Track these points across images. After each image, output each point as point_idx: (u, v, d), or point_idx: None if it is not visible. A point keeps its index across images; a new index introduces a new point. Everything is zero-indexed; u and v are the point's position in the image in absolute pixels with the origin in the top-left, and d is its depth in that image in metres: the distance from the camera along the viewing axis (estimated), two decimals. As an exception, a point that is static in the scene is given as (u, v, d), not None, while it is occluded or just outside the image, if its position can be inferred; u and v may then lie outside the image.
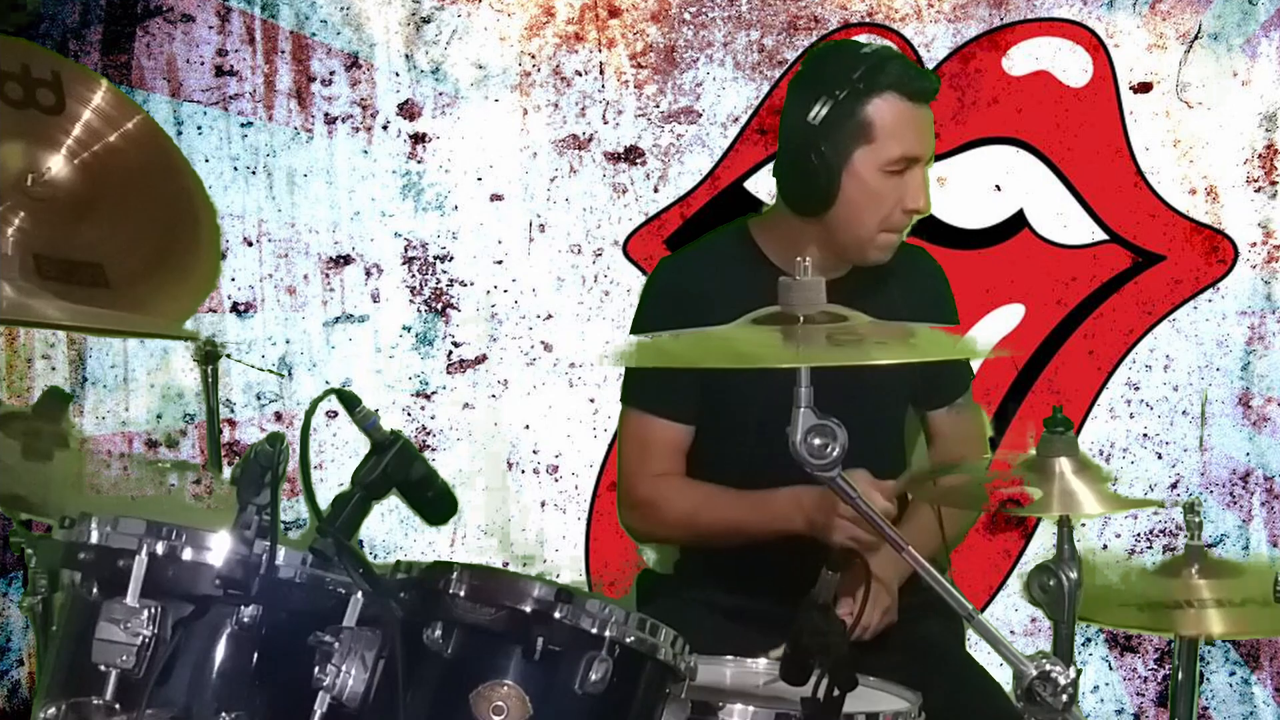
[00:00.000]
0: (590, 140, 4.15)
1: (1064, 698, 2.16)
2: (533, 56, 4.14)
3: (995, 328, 4.13)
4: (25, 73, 2.66)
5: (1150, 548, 4.20)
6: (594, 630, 2.18)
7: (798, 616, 2.24)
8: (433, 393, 4.18)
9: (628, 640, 2.19)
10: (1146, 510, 4.17)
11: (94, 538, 2.28)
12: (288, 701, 2.21)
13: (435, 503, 2.35)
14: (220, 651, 2.24)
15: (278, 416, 4.17)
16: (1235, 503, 4.19)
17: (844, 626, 2.25)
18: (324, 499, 2.27)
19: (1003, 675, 2.81)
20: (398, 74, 4.14)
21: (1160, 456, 4.20)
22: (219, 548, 2.25)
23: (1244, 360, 4.18)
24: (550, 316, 4.18)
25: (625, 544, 4.21)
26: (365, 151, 4.16)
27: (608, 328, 4.17)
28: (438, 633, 2.18)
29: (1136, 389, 4.19)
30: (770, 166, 3.15)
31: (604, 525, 4.20)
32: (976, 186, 4.17)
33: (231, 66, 4.13)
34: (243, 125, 4.14)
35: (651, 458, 3.08)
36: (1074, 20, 4.13)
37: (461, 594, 2.19)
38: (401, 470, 2.29)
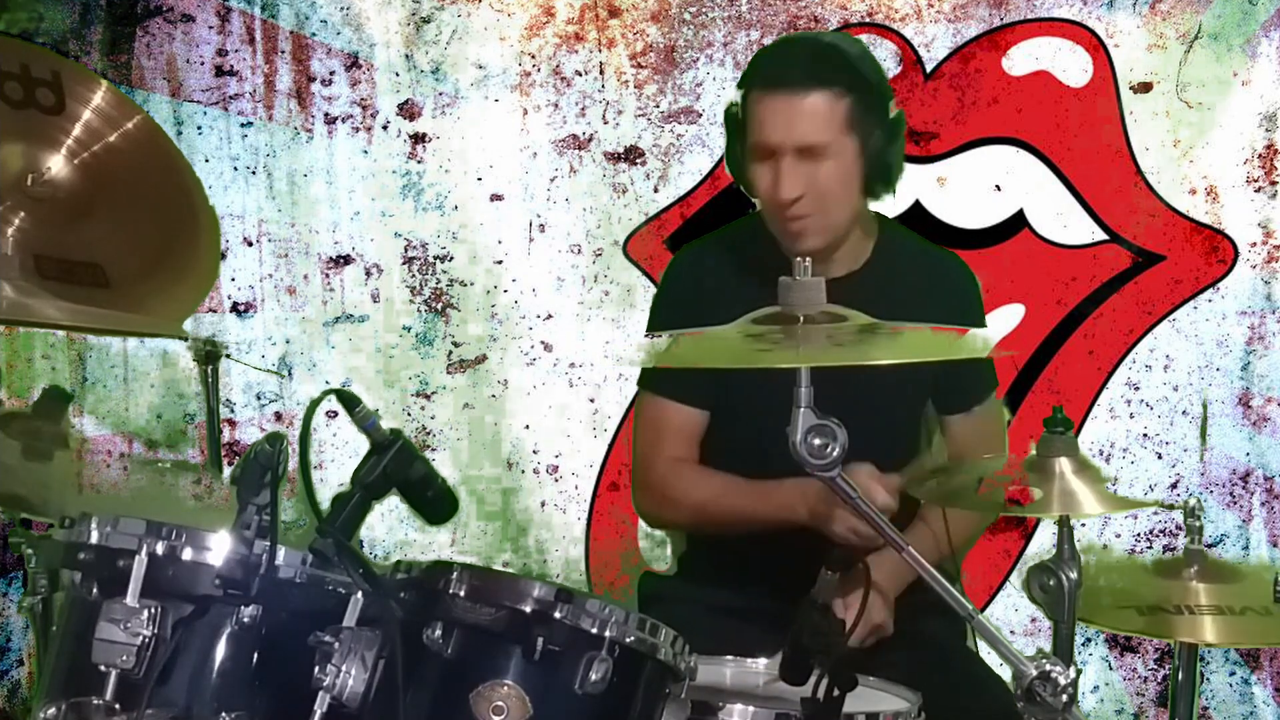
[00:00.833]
0: (590, 140, 4.15)
1: (1064, 698, 2.16)
2: (533, 56, 4.14)
3: (995, 328, 4.13)
4: (25, 73, 2.66)
5: (1150, 548, 4.20)
6: (594, 630, 2.18)
7: (798, 616, 2.24)
8: (433, 393, 4.18)
9: (628, 640, 2.19)
10: (1146, 510, 4.17)
11: (94, 538, 2.28)
12: (288, 701, 2.21)
13: (435, 503, 2.35)
14: (220, 651, 2.24)
15: (278, 416, 4.17)
16: (1235, 503, 4.19)
17: (844, 626, 2.25)
18: (324, 499, 2.27)
19: (1003, 675, 2.81)
20: (398, 74, 4.14)
21: (1160, 456, 4.20)
22: (219, 548, 2.25)
23: (1244, 360, 4.18)
24: (550, 316, 4.18)
25: (625, 544, 4.22)
26: (365, 151, 4.16)
27: (608, 328, 4.17)
28: (438, 633, 2.18)
29: (1136, 389, 4.19)
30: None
31: (604, 525, 4.20)
32: (976, 186, 4.17)
33: (231, 66, 4.13)
34: (243, 125, 4.14)
35: (666, 441, 3.10)
36: (1074, 20, 4.13)
37: (461, 594, 2.19)
38: (401, 470, 2.29)
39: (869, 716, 2.41)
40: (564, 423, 4.19)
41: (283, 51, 4.13)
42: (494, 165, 4.16)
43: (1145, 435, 4.19)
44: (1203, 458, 4.19)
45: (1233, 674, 4.20)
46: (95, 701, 2.20)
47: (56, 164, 2.66)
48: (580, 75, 4.14)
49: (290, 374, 4.17)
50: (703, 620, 2.86)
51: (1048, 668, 2.17)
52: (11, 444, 2.92)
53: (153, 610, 2.21)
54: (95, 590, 2.26)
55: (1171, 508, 4.06)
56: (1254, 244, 4.16)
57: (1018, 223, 4.18)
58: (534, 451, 4.20)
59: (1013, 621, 4.20)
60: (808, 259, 2.27)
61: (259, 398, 4.17)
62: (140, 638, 2.20)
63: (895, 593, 2.94)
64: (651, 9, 4.13)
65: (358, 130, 4.15)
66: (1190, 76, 4.12)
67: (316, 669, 2.17)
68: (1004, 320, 4.17)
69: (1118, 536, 4.20)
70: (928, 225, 4.08)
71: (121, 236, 2.70)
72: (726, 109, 3.06)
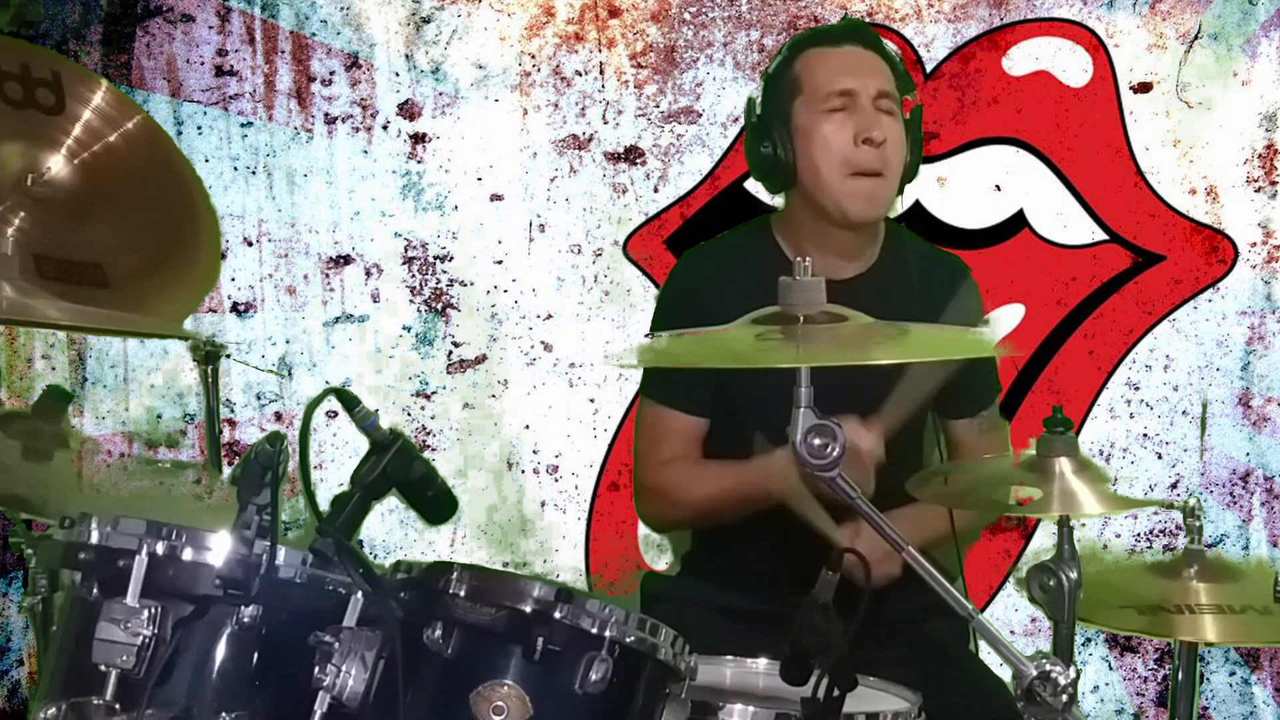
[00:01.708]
0: (590, 140, 4.15)
1: (1064, 698, 2.16)
2: (533, 56, 4.14)
3: (995, 328, 4.13)
4: (25, 73, 2.67)
5: (1150, 547, 4.20)
6: (594, 630, 2.18)
7: (798, 616, 2.24)
8: (433, 393, 4.18)
9: (628, 640, 2.19)
10: (1146, 510, 4.17)
11: (94, 538, 2.28)
12: (288, 701, 2.21)
13: (435, 503, 2.35)
14: (220, 651, 2.24)
15: (278, 416, 4.17)
16: (1235, 503, 4.19)
17: (844, 626, 2.25)
18: (324, 499, 2.27)
19: (1003, 675, 2.81)
20: (398, 74, 4.14)
21: (1160, 456, 4.20)
22: (219, 548, 2.25)
23: (1244, 360, 4.18)
24: (550, 316, 4.18)
25: (625, 544, 4.22)
26: (365, 151, 4.16)
27: (608, 328, 4.17)
28: (438, 633, 2.18)
29: (1136, 389, 4.19)
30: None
31: (604, 525, 4.20)
32: (976, 186, 4.17)
33: (231, 66, 4.13)
34: (243, 125, 4.14)
35: (664, 448, 3.12)
36: (1074, 20, 4.13)
37: (461, 594, 2.19)
38: (401, 470, 2.30)
39: (869, 716, 2.41)
40: (564, 423, 4.19)
41: (283, 51, 4.13)
42: (494, 165, 4.16)
43: (1145, 435, 4.19)
44: (1202, 457, 4.19)
45: (1233, 674, 4.20)
46: (95, 701, 2.20)
47: (56, 164, 2.66)
48: (580, 75, 4.14)
49: (290, 374, 4.17)
50: (705, 620, 2.86)
51: (1048, 668, 2.17)
52: (11, 444, 2.92)
53: (153, 610, 2.21)
54: (95, 590, 2.26)
55: (1171, 507, 4.06)
56: (1254, 244, 4.16)
57: (1018, 223, 4.18)
58: (534, 451, 4.19)
59: (1013, 621, 4.20)
60: (808, 259, 2.27)
61: (259, 398, 4.17)
62: (140, 638, 2.20)
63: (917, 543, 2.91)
64: (651, 9, 4.13)
65: (358, 130, 4.15)
66: (1190, 76, 4.12)
67: (316, 669, 2.17)
68: (1004, 320, 4.17)
69: (1118, 536, 4.20)
70: (928, 225, 4.08)
71: (121, 236, 2.70)
72: (748, 101, 3.07)
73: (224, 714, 2.22)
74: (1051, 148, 4.16)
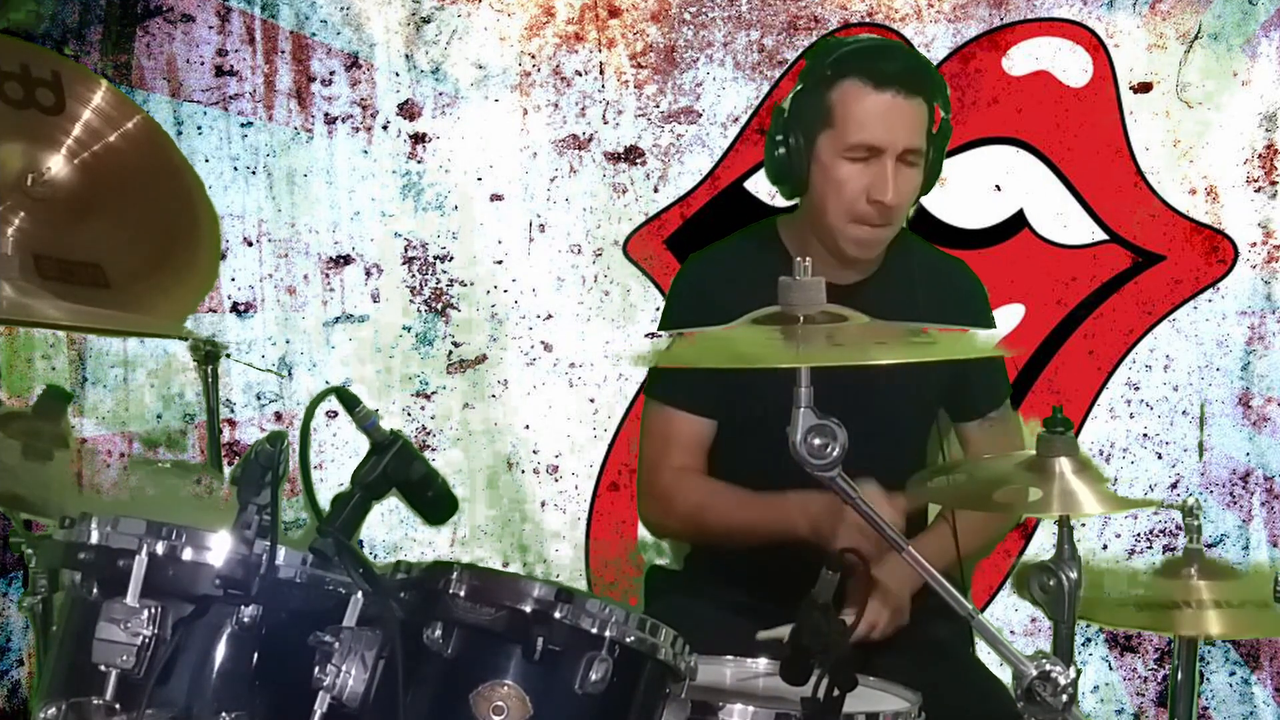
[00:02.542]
0: (590, 140, 4.15)
1: (1064, 698, 2.16)
2: (533, 56, 4.14)
3: (997, 331, 4.12)
4: (25, 73, 2.67)
5: (1150, 548, 4.20)
6: (594, 630, 2.18)
7: (798, 616, 2.24)
8: (433, 393, 4.18)
9: (628, 640, 2.19)
10: (1146, 510, 4.17)
11: (94, 538, 2.28)
12: (288, 701, 2.21)
13: (435, 503, 2.35)
14: (220, 651, 2.24)
15: (278, 416, 4.17)
16: (1235, 503, 4.19)
17: (844, 626, 2.25)
18: (324, 499, 2.27)
19: (1003, 675, 2.81)
20: (398, 74, 4.14)
21: (1160, 456, 4.20)
22: (219, 548, 2.25)
23: (1244, 360, 4.18)
24: (550, 316, 4.18)
25: (625, 544, 4.22)
26: (365, 151, 4.16)
27: (608, 328, 4.17)
28: (438, 633, 2.18)
29: (1136, 389, 4.19)
30: (771, 167, 3.16)
31: (604, 525, 4.20)
32: (976, 186, 4.17)
33: (231, 66, 4.13)
34: (243, 125, 4.14)
35: (672, 450, 3.10)
36: (1074, 20, 4.13)
37: (461, 594, 2.19)
38: (401, 470, 2.29)
39: (869, 716, 2.41)
40: (564, 423, 4.19)
41: (283, 51, 4.13)
42: (494, 165, 4.16)
43: (1145, 435, 4.19)
44: (1201, 457, 4.19)
45: (1233, 674, 4.20)
46: (95, 701, 2.20)
47: (56, 164, 2.66)
48: (580, 75, 4.14)
49: (290, 374, 4.17)
50: (712, 617, 2.86)
51: (1048, 668, 2.17)
52: (11, 444, 2.92)
53: (153, 610, 2.21)
54: (95, 590, 2.26)
55: (1171, 507, 4.06)
56: (1254, 244, 4.16)
57: (1018, 223, 4.18)
58: (534, 451, 4.19)
59: (1013, 621, 4.20)
60: (808, 259, 2.27)
61: (259, 398, 4.17)
62: (140, 638, 2.20)
63: (911, 589, 2.93)
64: (651, 9, 4.13)
65: (358, 130, 4.15)
66: (1190, 76, 4.12)
67: (316, 669, 2.17)
68: (1004, 320, 4.17)
69: (1118, 536, 4.20)
70: (928, 225, 4.08)
71: (121, 236, 2.70)
72: (775, 106, 3.03)
73: (224, 714, 2.22)
74: (1051, 148, 4.16)
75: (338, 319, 4.18)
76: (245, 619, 2.24)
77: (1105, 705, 4.22)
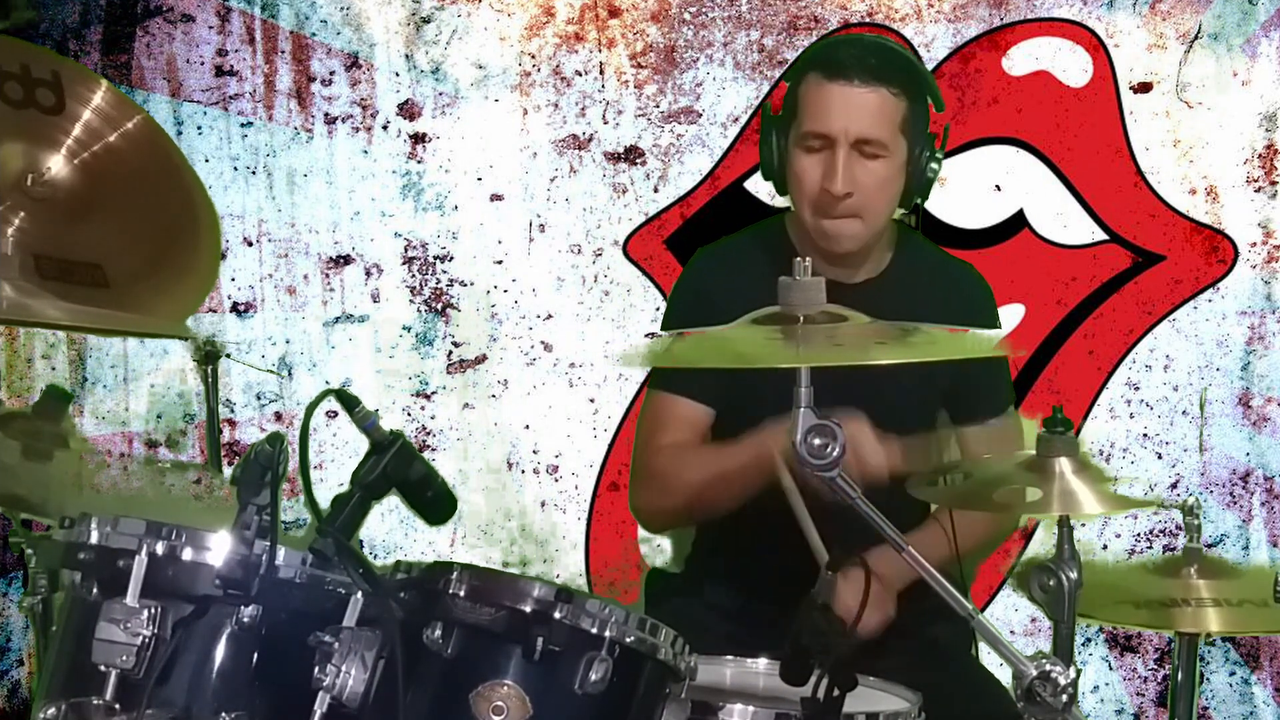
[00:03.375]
0: (590, 140, 4.15)
1: (1064, 698, 2.16)
2: (533, 56, 4.14)
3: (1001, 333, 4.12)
4: (25, 73, 2.66)
5: (1150, 548, 4.20)
6: (594, 630, 2.18)
7: (798, 616, 2.24)
8: (433, 393, 4.18)
9: (628, 640, 2.19)
10: (1146, 510, 4.16)
11: (94, 538, 2.28)
12: (288, 701, 2.21)
13: (435, 503, 2.35)
14: (220, 651, 2.24)
15: (278, 416, 4.17)
16: (1235, 503, 4.19)
17: (844, 626, 2.25)
18: (324, 499, 2.27)
19: (1003, 675, 2.81)
20: (398, 74, 4.14)
21: (1160, 456, 4.20)
22: (219, 548, 2.25)
23: (1244, 360, 4.18)
24: (550, 316, 4.18)
25: (625, 544, 4.22)
26: (365, 151, 4.16)
27: (608, 328, 4.17)
28: (438, 633, 2.18)
29: (1136, 389, 4.19)
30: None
31: (604, 525, 4.20)
32: (976, 186, 4.17)
33: (231, 66, 4.13)
34: (243, 125, 4.14)
35: (665, 431, 3.05)
36: (1074, 20, 4.13)
37: (461, 594, 2.19)
38: (401, 470, 2.29)
39: (869, 716, 2.41)
40: (564, 423, 4.19)
41: (283, 51, 4.13)
42: (494, 165, 4.16)
43: (1145, 435, 4.19)
44: (1202, 455, 4.19)
45: (1233, 674, 4.20)
46: (95, 701, 2.20)
47: (56, 164, 2.66)
48: (580, 75, 4.14)
49: (290, 374, 4.17)
50: (711, 619, 2.86)
51: (1048, 668, 2.17)
52: (11, 444, 2.92)
53: (153, 610, 2.21)
54: (95, 590, 2.26)
55: (1171, 507, 4.06)
56: (1254, 244, 4.16)
57: (1018, 223, 4.18)
58: (534, 451, 4.19)
59: (1013, 621, 4.20)
60: (808, 259, 2.27)
61: (259, 398, 4.17)
62: (140, 638, 2.20)
63: (900, 584, 2.92)
64: (651, 9, 4.13)
65: (358, 130, 4.15)
66: (1190, 76, 4.12)
67: (316, 669, 2.17)
68: (1004, 320, 4.16)
69: (1118, 536, 4.20)
70: (928, 225, 4.07)
71: (121, 236, 2.70)
72: (763, 103, 3.05)
73: (224, 714, 2.22)
74: (1051, 148, 4.16)
75: (338, 319, 4.18)
76: (245, 619, 2.23)
77: (1105, 705, 4.22)
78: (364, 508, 2.28)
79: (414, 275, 4.17)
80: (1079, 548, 2.32)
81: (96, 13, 4.12)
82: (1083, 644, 4.17)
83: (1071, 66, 4.14)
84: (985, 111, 4.15)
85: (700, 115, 4.15)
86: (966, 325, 3.02)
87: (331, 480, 3.92)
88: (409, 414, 4.17)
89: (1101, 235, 4.17)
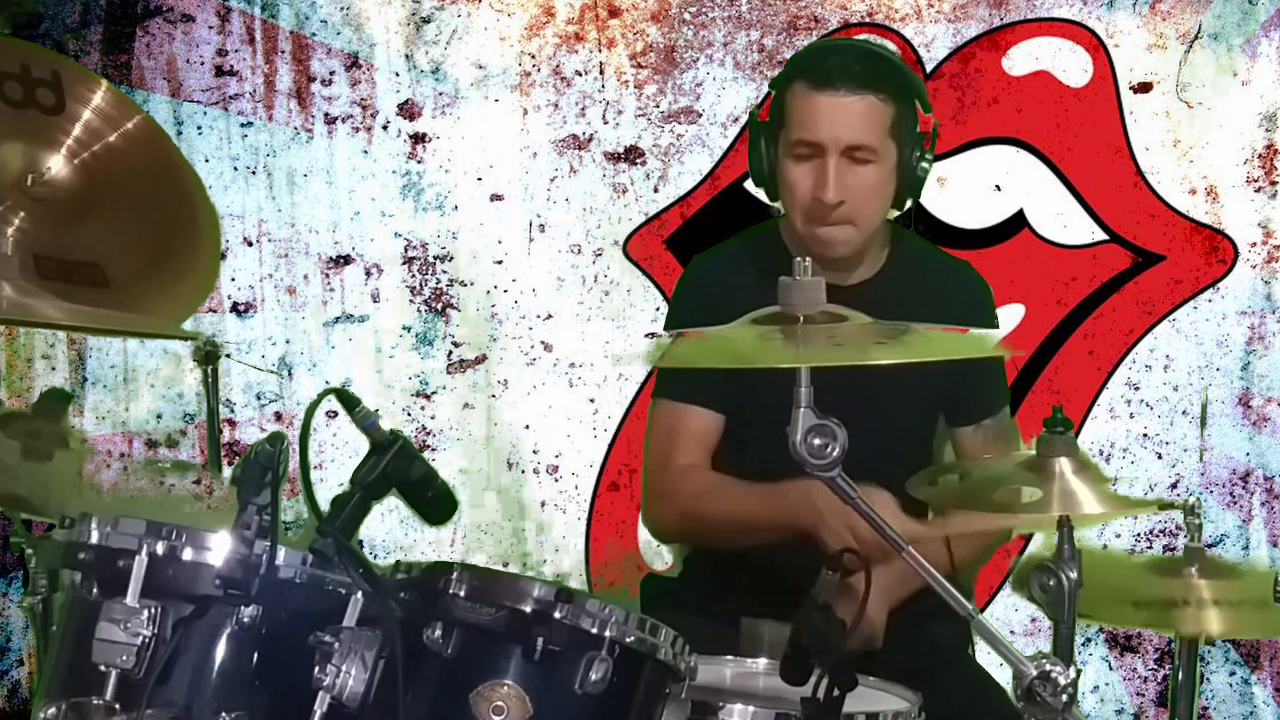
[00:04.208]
0: (590, 140, 4.15)
1: (1064, 698, 2.16)
2: (533, 56, 4.14)
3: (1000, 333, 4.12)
4: (25, 73, 2.66)
5: (1150, 548, 4.20)
6: (594, 630, 2.18)
7: (798, 616, 2.24)
8: (433, 393, 4.18)
9: (628, 640, 2.19)
10: (1146, 510, 4.16)
11: (94, 538, 2.28)
12: (288, 701, 2.21)
13: (435, 503, 2.35)
14: (220, 651, 2.24)
15: (278, 416, 4.17)
16: (1235, 503, 4.19)
17: (844, 626, 2.25)
18: (324, 499, 2.27)
19: (1003, 675, 2.81)
20: (398, 74, 4.14)
21: (1160, 456, 4.20)
22: (219, 548, 2.25)
23: (1244, 360, 4.18)
24: (550, 316, 4.18)
25: (625, 544, 4.22)
26: (365, 151, 4.16)
27: (608, 328, 4.17)
28: (438, 633, 2.18)
29: (1136, 389, 4.19)
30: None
31: (604, 525, 4.20)
32: (976, 186, 4.17)
33: (231, 66, 4.13)
34: (243, 125, 4.14)
35: (679, 446, 3.06)
36: (1074, 20, 4.13)
37: (461, 594, 2.19)
38: (401, 470, 2.29)
39: (869, 716, 2.41)
40: (564, 423, 4.19)
41: (283, 51, 4.13)
42: (494, 165, 4.16)
43: (1145, 435, 4.19)
44: (1202, 457, 4.19)
45: (1233, 674, 4.20)
46: (95, 701, 2.20)
47: (56, 164, 2.66)
48: (580, 75, 4.14)
49: (290, 374, 4.17)
50: (704, 623, 2.85)
51: (1048, 668, 2.17)
52: (11, 444, 2.92)
53: (153, 610, 2.21)
54: (95, 590, 2.25)
55: (1172, 506, 4.06)
56: (1254, 244, 4.16)
57: (1018, 223, 4.18)
58: (534, 451, 4.19)
59: (1013, 621, 4.20)
60: (808, 259, 2.27)
61: (259, 398, 4.17)
62: (140, 638, 2.20)
63: (891, 604, 2.91)
64: (651, 9, 4.13)
65: (358, 130, 4.15)
66: (1190, 76, 4.12)
67: (316, 669, 2.17)
68: (1004, 320, 4.16)
69: (1118, 536, 4.20)
70: (928, 225, 4.08)
71: (121, 236, 2.70)
72: (750, 111, 3.04)
73: (224, 714, 2.22)
74: (1051, 148, 4.16)
75: (338, 319, 4.18)
76: (245, 619, 2.23)
77: (1105, 705, 4.22)
78: (364, 508, 2.28)
79: (414, 275, 4.17)
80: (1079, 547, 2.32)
81: (96, 13, 4.12)
82: (1083, 644, 4.17)
83: (1071, 66, 4.14)
84: (985, 111, 4.15)
85: (700, 115, 4.15)
86: (964, 325, 3.02)
87: (331, 480, 3.91)
88: (409, 414, 4.17)
89: (1101, 235, 4.18)
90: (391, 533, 4.15)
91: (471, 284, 4.18)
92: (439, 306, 4.18)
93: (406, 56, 4.15)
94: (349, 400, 2.29)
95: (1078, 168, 4.16)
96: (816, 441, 2.16)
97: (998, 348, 3.03)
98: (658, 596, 3.24)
